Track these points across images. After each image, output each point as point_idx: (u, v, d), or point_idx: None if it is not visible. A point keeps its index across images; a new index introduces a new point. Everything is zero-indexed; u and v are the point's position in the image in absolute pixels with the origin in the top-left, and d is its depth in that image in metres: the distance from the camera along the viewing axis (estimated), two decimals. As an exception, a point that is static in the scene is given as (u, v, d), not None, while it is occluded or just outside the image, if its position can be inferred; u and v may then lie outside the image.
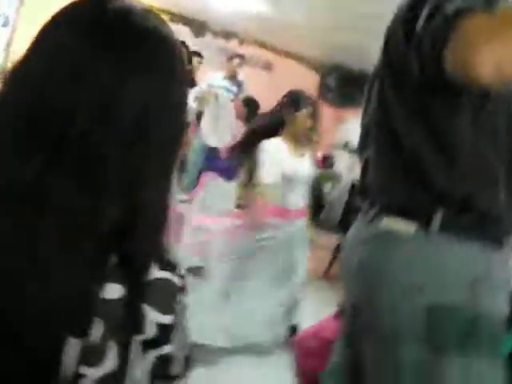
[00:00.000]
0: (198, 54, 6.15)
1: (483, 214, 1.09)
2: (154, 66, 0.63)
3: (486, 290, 1.08)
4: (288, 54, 7.43)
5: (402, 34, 1.06)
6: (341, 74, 7.06)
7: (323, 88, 7.29)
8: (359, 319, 1.20)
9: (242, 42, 7.30)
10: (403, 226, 1.13)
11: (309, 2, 5.39)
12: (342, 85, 6.99)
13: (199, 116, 5.63)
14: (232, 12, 6.28)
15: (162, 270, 0.67)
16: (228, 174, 4.07)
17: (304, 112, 3.03)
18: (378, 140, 1.23)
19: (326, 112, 3.16)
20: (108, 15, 0.62)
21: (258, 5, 6.00)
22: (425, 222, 1.10)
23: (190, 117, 5.89)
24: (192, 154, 5.59)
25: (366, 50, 2.44)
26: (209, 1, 6.17)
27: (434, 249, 1.10)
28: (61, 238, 0.58)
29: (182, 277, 0.70)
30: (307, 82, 7.44)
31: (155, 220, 0.65)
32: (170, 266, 0.69)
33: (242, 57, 5.91)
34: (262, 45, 7.32)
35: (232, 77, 5.82)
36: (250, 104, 3.96)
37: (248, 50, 7.22)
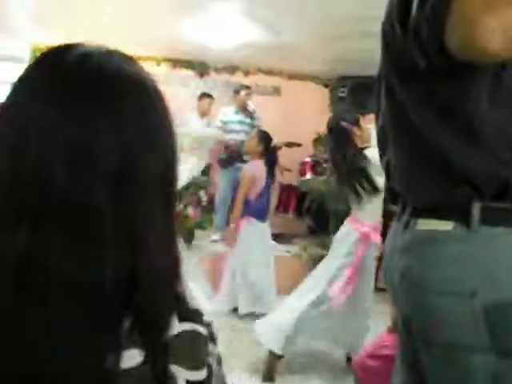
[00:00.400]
0: (208, 95, 6.22)
1: None
2: (123, 107, 0.59)
3: None
4: (294, 76, 7.42)
5: (398, 27, 1.00)
6: (350, 83, 6.99)
7: (335, 101, 7.24)
8: (414, 333, 1.11)
9: (246, 73, 7.34)
10: (441, 226, 1.04)
11: (305, 20, 5.40)
12: (354, 94, 6.92)
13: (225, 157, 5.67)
14: (232, 46, 6.33)
15: (182, 321, 0.60)
16: (260, 213, 4.03)
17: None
18: (397, 140, 1.16)
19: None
20: (65, 65, 0.59)
21: (255, 35, 6.05)
22: (463, 218, 1.01)
23: (216, 157, 5.94)
24: (221, 192, 5.60)
25: (371, 55, 2.39)
26: (207, 39, 6.24)
27: (479, 245, 1.00)
28: (68, 305, 0.53)
29: (207, 325, 0.64)
30: (317, 99, 7.43)
31: (162, 268, 0.59)
32: (190, 315, 0.62)
33: (248, 87, 5.94)
34: (267, 72, 7.34)
35: (243, 108, 5.85)
36: (264, 138, 3.95)
37: (254, 80, 7.27)
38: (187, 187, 4.84)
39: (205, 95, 6.29)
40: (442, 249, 1.03)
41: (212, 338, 0.64)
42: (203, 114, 6.18)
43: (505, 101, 1.00)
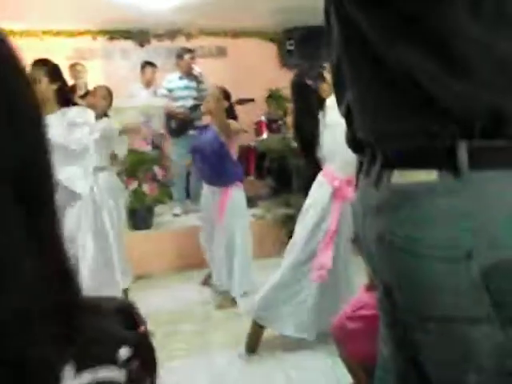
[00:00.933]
0: (151, 64, 5.96)
1: None
2: None
3: None
4: (238, 34, 7.14)
5: None
6: (298, 35, 6.75)
7: (283, 55, 7.01)
8: (401, 306, 0.94)
9: (188, 37, 7.03)
10: (421, 177, 0.85)
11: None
12: (302, 46, 6.69)
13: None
14: (170, 8, 5.99)
15: (84, 369, 0.43)
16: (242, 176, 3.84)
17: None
18: (356, 77, 0.95)
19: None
20: None
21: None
22: (447, 164, 0.82)
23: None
24: (175, 163, 5.38)
25: (315, 2, 2.19)
26: (142, 4, 5.89)
27: (471, 197, 0.81)
28: None
29: (124, 364, 0.46)
30: (265, 55, 7.19)
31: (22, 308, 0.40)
32: (96, 357, 0.44)
33: (190, 50, 5.67)
34: (210, 33, 7.03)
35: (188, 73, 5.59)
36: (226, 94, 3.69)
37: (197, 43, 6.96)
38: (140, 163, 4.60)
39: (147, 64, 5.99)
40: (425, 204, 0.84)
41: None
42: (148, 83, 5.89)
43: (494, 13, 0.79)
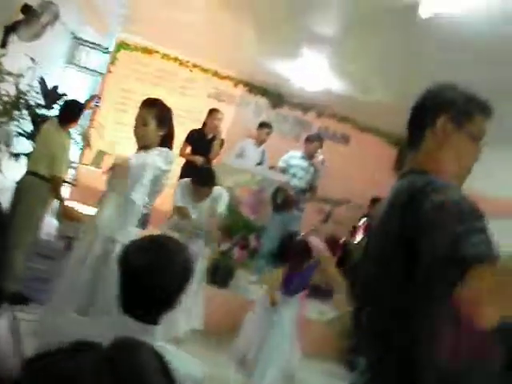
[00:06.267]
0: (268, 126, 6.15)
1: None
2: None
3: None
4: (365, 129, 7.31)
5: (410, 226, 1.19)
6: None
7: (400, 163, 7.10)
8: None
9: (319, 115, 7.28)
10: None
11: (389, 79, 5.31)
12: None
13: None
14: (312, 88, 6.29)
15: None
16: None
17: None
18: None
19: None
20: None
21: (339, 86, 6.00)
22: None
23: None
24: (268, 237, 5.54)
25: None
26: (290, 75, 6.22)
27: None
28: None
29: None
30: (383, 155, 7.28)
31: None
32: None
33: (321, 140, 5.89)
34: (340, 119, 7.26)
35: (311, 157, 5.79)
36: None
37: (325, 122, 7.21)
38: (237, 229, 4.82)
39: (265, 125, 6.21)
40: None
41: None
42: (260, 142, 6.13)
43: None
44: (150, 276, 1.46)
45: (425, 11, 3.58)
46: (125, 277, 1.50)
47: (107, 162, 6.29)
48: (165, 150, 2.72)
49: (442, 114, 1.37)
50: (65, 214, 4.12)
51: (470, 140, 1.38)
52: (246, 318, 3.89)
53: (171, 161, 2.75)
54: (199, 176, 4.07)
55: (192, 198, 4.01)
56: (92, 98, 5.79)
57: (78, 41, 7.08)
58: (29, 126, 4.92)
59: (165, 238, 1.67)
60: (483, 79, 2.92)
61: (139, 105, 2.78)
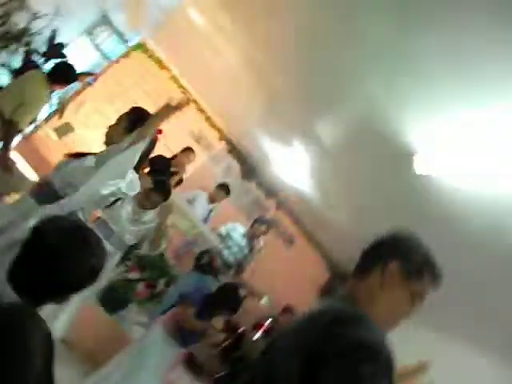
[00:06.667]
0: (227, 190, 6.13)
1: None
2: None
3: None
4: (312, 241, 7.39)
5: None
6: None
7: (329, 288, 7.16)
8: None
9: (279, 207, 7.34)
10: None
11: (357, 208, 5.41)
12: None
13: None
14: (285, 177, 6.38)
15: None
16: None
17: None
18: None
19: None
20: None
21: (312, 187, 6.11)
22: None
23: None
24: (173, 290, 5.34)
25: None
26: (271, 156, 6.29)
27: None
28: None
29: None
30: (316, 273, 7.32)
31: None
32: None
33: (270, 225, 5.88)
34: (295, 220, 7.33)
35: (252, 238, 5.73)
36: None
37: (279, 216, 7.25)
38: (152, 265, 4.63)
39: (225, 188, 6.15)
40: None
41: None
42: (212, 201, 6.08)
43: None
44: (60, 259, 1.34)
45: (420, 168, 3.68)
46: (31, 250, 1.36)
47: (68, 138, 6.07)
48: None
49: (396, 261, 1.39)
50: (2, 161, 3.86)
51: (410, 296, 1.39)
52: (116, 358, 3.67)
53: None
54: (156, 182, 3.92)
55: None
56: (89, 73, 5.65)
57: (106, 20, 7.01)
58: (18, 63, 4.71)
59: (89, 229, 1.52)
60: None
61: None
